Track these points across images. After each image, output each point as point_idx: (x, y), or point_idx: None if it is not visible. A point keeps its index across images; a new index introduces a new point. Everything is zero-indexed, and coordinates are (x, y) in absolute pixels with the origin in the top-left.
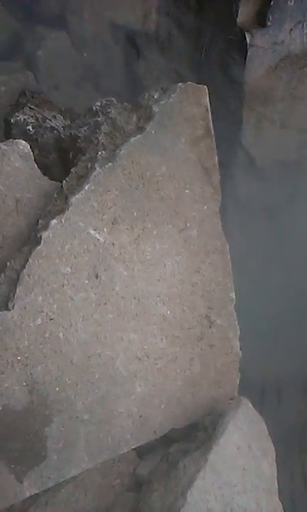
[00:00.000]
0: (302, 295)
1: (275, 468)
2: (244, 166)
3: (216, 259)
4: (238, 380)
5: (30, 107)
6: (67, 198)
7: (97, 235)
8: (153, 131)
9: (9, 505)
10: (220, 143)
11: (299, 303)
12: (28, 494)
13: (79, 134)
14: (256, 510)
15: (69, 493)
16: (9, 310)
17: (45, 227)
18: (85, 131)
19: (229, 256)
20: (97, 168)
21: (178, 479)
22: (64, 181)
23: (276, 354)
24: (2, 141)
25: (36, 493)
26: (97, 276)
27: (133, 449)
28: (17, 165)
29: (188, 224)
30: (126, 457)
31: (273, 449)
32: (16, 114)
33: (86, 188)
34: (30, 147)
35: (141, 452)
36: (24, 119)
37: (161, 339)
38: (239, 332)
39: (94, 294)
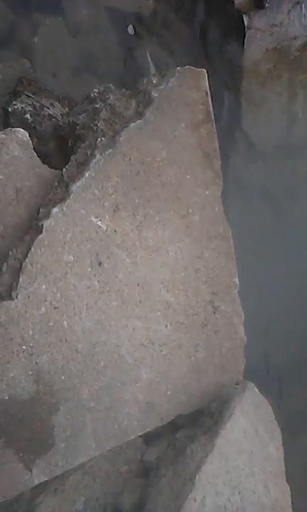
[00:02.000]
0: (305, 279)
1: (282, 452)
2: (244, 150)
3: (219, 244)
4: (243, 365)
5: (27, 95)
6: (67, 186)
7: (99, 223)
8: (152, 117)
9: (19, 493)
10: (220, 127)
11: (302, 287)
12: (36, 482)
13: (78, 121)
14: (264, 493)
15: (78, 481)
16: (13, 300)
17: (47, 215)
18: (84, 118)
19: (231, 241)
20: (97, 155)
21: (186, 464)
22: (64, 169)
23: (280, 338)
24: (0, 130)
25: (45, 481)
26: (99, 264)
27: (140, 435)
28: (16, 154)
29: (190, 210)
30: (134, 444)
31: (280, 432)
32: (14, 102)
33: (86, 175)
34: (29, 135)
35: (148, 439)
36: (22, 107)
37: (166, 326)
38: (243, 317)
39: (98, 281)
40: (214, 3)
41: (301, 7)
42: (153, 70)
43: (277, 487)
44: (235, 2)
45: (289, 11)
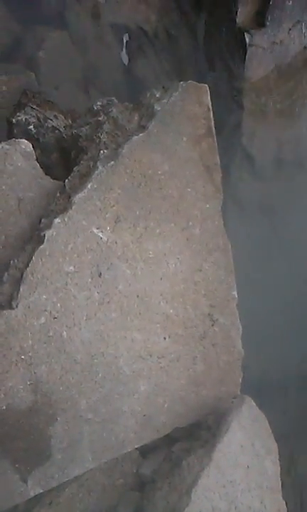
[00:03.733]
0: (303, 292)
1: (278, 466)
2: (244, 165)
3: (218, 257)
4: (241, 379)
5: (31, 107)
6: (70, 197)
7: (100, 234)
8: (155, 130)
9: (14, 505)
10: (220, 142)
11: (300, 300)
12: (32, 494)
13: (81, 134)
14: (260, 509)
15: (73, 493)
16: (13, 309)
17: (49, 226)
18: (87, 130)
19: (231, 254)
20: (100, 167)
21: (182, 478)
22: (66, 180)
23: (278, 352)
24: (4, 141)
25: (40, 493)
26: (100, 275)
27: (137, 448)
28: (19, 164)
29: (190, 222)
30: (130, 457)
31: (277, 446)
32: (18, 114)
33: (89, 186)
34: (32, 147)
35: (145, 451)
36: (26, 118)
37: (164, 338)
38: (241, 330)
39: (98, 292)
40: (216, 21)
41: (302, 26)
42: (125, 58)
43: (273, 503)
44: (237, 20)
45: (290, 29)
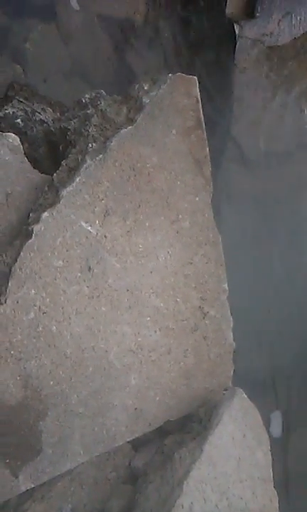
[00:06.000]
0: (294, 285)
1: (270, 457)
2: (234, 157)
3: (208, 250)
4: (232, 371)
5: (19, 100)
6: (58, 191)
7: (89, 228)
8: (143, 123)
9: (5, 500)
10: (210, 134)
11: (291, 293)
12: (23, 489)
13: (69, 127)
14: (251, 499)
15: (65, 487)
16: (1, 304)
17: (37, 220)
18: (75, 123)
19: (221, 247)
20: (88, 161)
21: (174, 470)
22: (54, 174)
23: (269, 344)
24: None
25: (32, 488)
26: (89, 269)
27: (128, 441)
28: (7, 158)
29: (180, 216)
30: (122, 450)
31: (268, 438)
32: (5, 107)
33: (77, 180)
34: (20, 140)
35: (136, 445)
36: (13, 112)
37: (155, 331)
38: (232, 323)
39: (87, 286)
40: (206, 12)
41: (291, 17)
42: (76, 5)
43: (265, 493)
44: (226, 11)
45: (279, 20)
